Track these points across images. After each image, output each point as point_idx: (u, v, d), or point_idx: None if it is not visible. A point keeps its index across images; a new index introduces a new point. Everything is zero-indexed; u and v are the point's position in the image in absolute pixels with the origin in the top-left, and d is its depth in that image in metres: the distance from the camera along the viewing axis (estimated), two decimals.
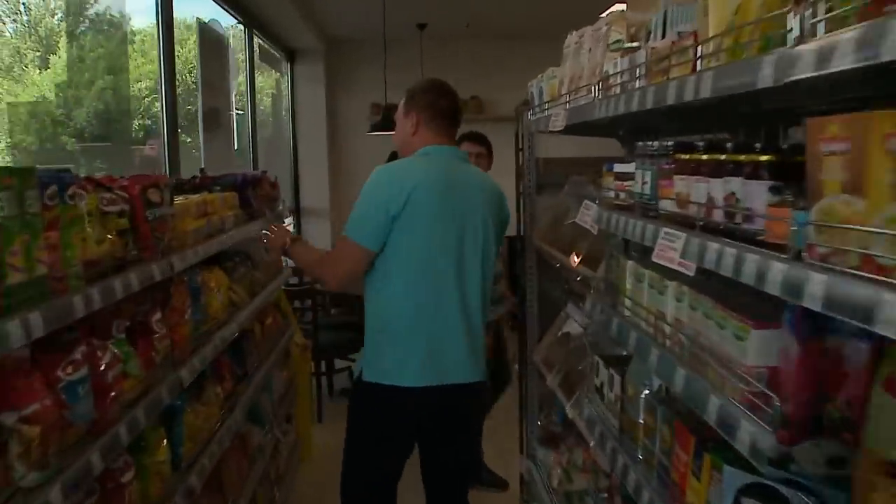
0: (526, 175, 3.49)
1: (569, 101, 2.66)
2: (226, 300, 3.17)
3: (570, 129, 2.72)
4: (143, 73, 5.21)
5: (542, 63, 9.09)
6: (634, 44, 2.05)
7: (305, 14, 7.54)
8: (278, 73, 8.57)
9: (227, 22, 6.29)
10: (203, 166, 4.03)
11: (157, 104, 5.08)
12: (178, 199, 2.89)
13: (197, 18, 5.04)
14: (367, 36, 8.70)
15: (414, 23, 8.24)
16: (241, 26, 6.53)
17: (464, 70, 9.38)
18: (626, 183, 2.12)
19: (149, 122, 5.33)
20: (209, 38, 5.26)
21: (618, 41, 2.15)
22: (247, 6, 6.48)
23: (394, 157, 3.72)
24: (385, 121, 6.67)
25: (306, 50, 8.86)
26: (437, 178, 2.69)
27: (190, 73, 5.45)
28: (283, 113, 8.95)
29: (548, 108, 3.07)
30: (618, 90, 2.05)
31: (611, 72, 2.14)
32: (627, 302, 2.07)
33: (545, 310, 3.65)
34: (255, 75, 8.81)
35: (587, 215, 2.43)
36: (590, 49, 2.50)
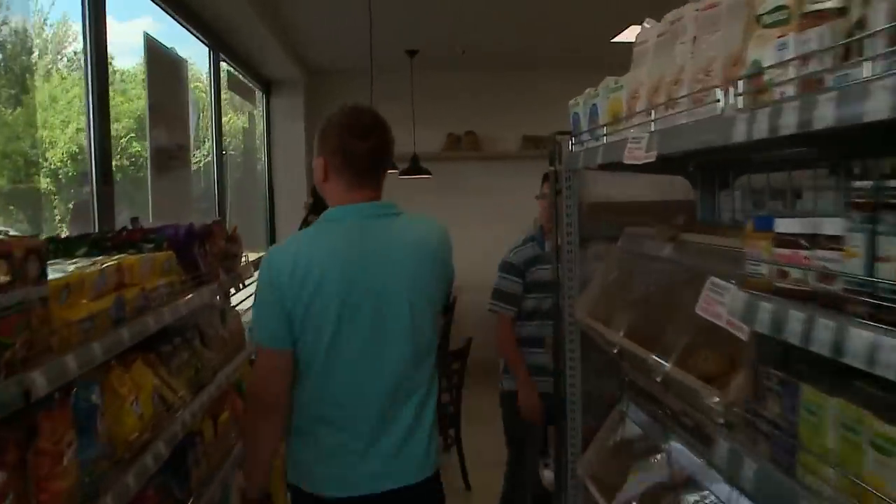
0: (565, 225, 2.58)
1: (654, 119, 1.76)
2: (149, 410, 2.22)
3: (618, 165, 1.88)
4: (122, 111, 4.69)
5: (547, 95, 8.33)
6: (829, 4, 1.14)
7: (283, 40, 6.70)
8: (251, 106, 7.67)
9: (190, 51, 5.42)
10: (135, 216, 3.12)
11: (136, 144, 4.59)
12: (72, 268, 1.98)
13: (144, 34, 4.14)
14: (351, 64, 7.86)
15: (403, 49, 7.40)
16: (206, 49, 5.63)
17: (459, 102, 8.61)
18: (803, 252, 1.21)
19: (127, 162, 4.80)
20: (159, 59, 4.36)
21: (780, 7, 1.25)
22: (214, 29, 5.61)
23: (316, 201, 2.89)
24: None
25: (284, 80, 8.02)
26: (341, 257, 2.18)
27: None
28: (257, 151, 8.06)
29: (604, 135, 2.17)
30: (785, 91, 1.15)
31: (766, 61, 1.24)
32: (828, 471, 1.15)
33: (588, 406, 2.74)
34: (225, 108, 7.98)
35: (717, 304, 1.51)
36: (694, 38, 1.61)
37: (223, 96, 6.08)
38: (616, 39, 7.19)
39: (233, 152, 7.72)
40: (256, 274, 2.43)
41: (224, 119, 8.01)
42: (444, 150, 8.66)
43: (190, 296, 2.72)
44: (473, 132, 8.62)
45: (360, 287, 2.17)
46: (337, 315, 2.15)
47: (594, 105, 2.26)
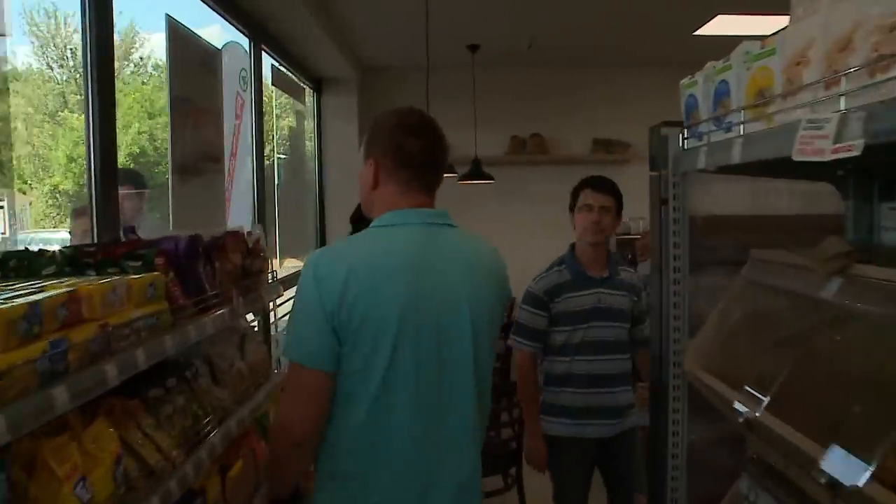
0: (671, 247, 1.94)
1: (846, 92, 1.11)
2: (106, 489, 1.63)
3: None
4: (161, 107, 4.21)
5: (620, 95, 7.68)
6: None
7: (334, 34, 6.15)
8: (300, 105, 7.15)
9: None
10: (135, 224, 2.57)
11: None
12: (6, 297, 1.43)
13: (165, 16, 3.60)
14: (407, 61, 7.31)
15: (464, 44, 6.80)
16: (245, 40, 5.10)
17: (524, 102, 8.02)
18: None
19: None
20: (185, 46, 3.83)
21: None
22: (255, 18, 5.08)
23: (359, 215, 2.69)
24: None
25: (336, 79, 7.48)
26: (401, 267, 1.91)
27: None
28: (307, 153, 7.54)
29: (743, 122, 1.53)
30: None
31: None
32: None
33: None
34: (285, 109, 7.50)
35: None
36: None
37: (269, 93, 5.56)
38: (699, 32, 6.49)
39: (282, 155, 7.23)
40: (291, 288, 2.03)
41: (283, 121, 7.55)
42: (507, 154, 8.03)
43: (187, 329, 2.15)
44: (539, 134, 7.98)
45: (422, 304, 1.89)
46: (395, 337, 1.86)
47: (723, 82, 1.62)
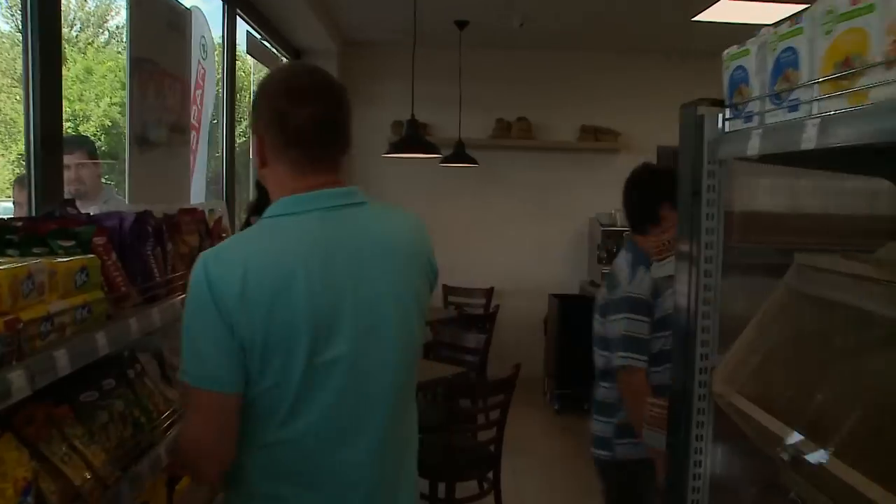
0: (703, 246, 1.64)
1: None
2: None
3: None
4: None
5: (612, 81, 7.39)
6: None
7: (315, 2, 5.80)
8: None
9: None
10: (71, 196, 2.24)
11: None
12: None
13: None
14: (391, 35, 6.99)
15: (452, 19, 6.46)
16: (219, 4, 4.74)
17: (511, 84, 7.76)
18: None
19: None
20: (149, 2, 3.48)
21: None
22: None
23: (261, 196, 2.29)
24: (409, 141, 4.84)
25: (315, 51, 7.12)
26: (304, 261, 1.60)
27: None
28: None
29: (814, 99, 1.23)
30: None
31: None
32: None
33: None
34: (249, 81, 7.14)
35: None
36: None
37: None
38: (698, 18, 6.19)
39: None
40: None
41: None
42: (492, 137, 7.72)
43: (130, 320, 1.83)
44: (526, 118, 7.69)
45: (332, 299, 1.61)
46: (309, 342, 1.57)
47: (789, 50, 1.31)
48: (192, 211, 2.37)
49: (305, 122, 1.66)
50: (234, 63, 5.02)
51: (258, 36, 5.80)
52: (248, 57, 6.84)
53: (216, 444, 1.62)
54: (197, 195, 4.72)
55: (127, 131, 3.30)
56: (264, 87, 1.73)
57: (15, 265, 1.42)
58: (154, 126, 3.52)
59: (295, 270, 1.57)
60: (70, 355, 1.48)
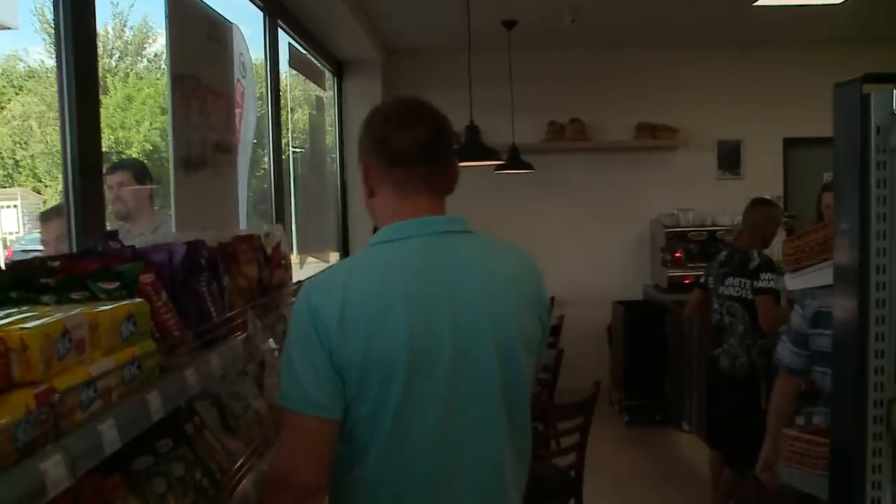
0: (873, 252, 1.33)
1: None
2: None
3: None
4: None
5: (666, 75, 7.06)
6: None
7: (358, 13, 5.57)
8: (320, 90, 6.57)
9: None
10: (113, 229, 2.00)
11: None
12: None
13: None
14: (436, 41, 6.77)
15: (499, 20, 6.18)
16: (259, 14, 4.52)
17: (563, 83, 7.47)
18: None
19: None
20: (188, 13, 3.26)
21: None
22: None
23: None
24: (470, 148, 4.56)
25: (359, 62, 6.92)
26: (406, 290, 1.58)
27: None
28: (327, 143, 6.95)
29: None
30: None
31: None
32: None
33: None
34: (286, 97, 6.97)
35: None
36: None
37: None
38: (760, 2, 5.83)
39: (297, 149, 6.68)
40: None
41: (297, 113, 7.01)
42: (545, 141, 7.43)
43: (187, 372, 1.58)
44: (580, 119, 7.38)
45: (430, 328, 1.60)
46: (406, 369, 1.57)
47: None
48: (249, 238, 2.12)
49: (408, 143, 1.68)
50: (279, 78, 4.79)
51: (301, 49, 5.58)
52: (287, 73, 6.65)
53: (309, 473, 1.58)
54: (240, 219, 4.51)
55: (171, 151, 3.07)
56: (369, 118, 1.77)
57: (48, 321, 1.17)
58: (198, 145, 3.29)
59: (393, 297, 1.58)
60: (119, 425, 1.23)
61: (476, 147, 4.49)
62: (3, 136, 14.98)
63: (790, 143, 7.66)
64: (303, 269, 5.57)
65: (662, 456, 5.98)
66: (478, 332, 1.64)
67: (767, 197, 4.94)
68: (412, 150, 1.68)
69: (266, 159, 4.84)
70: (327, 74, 6.64)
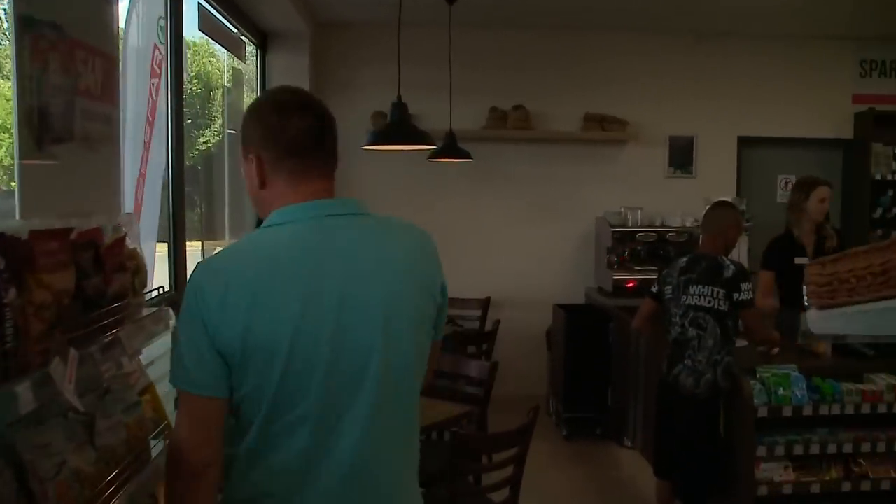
0: None
1: None
2: None
3: None
4: None
5: (618, 64, 6.57)
6: None
7: None
8: (240, 62, 5.95)
9: None
10: None
11: None
12: None
13: None
14: (370, 14, 6.24)
15: None
16: None
17: (507, 67, 7.01)
18: None
19: None
20: None
21: None
22: None
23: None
24: (396, 129, 3.97)
25: (285, 33, 6.30)
26: (291, 272, 1.62)
27: None
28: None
29: None
30: None
31: None
32: None
33: None
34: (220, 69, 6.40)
35: None
36: None
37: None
38: None
39: (233, 131, 6.09)
40: None
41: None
42: (485, 128, 6.89)
43: None
44: (523, 107, 6.86)
45: (318, 311, 1.63)
46: (287, 352, 1.59)
47: None
48: (59, 233, 1.51)
49: (298, 133, 1.73)
50: (182, 43, 4.18)
51: (214, 12, 4.96)
52: (224, 54, 6.04)
53: (200, 449, 1.63)
54: (151, 203, 3.90)
55: (15, 120, 2.45)
56: (252, 109, 1.79)
57: None
58: (60, 113, 2.67)
59: (278, 278, 1.61)
60: None
61: (404, 128, 3.90)
62: None
63: (745, 142, 7.29)
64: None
65: (603, 475, 5.52)
66: (364, 312, 1.66)
67: (728, 199, 4.48)
68: (303, 138, 1.73)
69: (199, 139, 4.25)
70: (249, 47, 6.01)
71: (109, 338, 1.62)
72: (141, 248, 1.94)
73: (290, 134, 1.71)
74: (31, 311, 1.34)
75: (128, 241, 1.83)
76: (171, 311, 2.08)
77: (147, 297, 2.15)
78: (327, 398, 1.64)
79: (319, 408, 1.64)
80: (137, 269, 1.87)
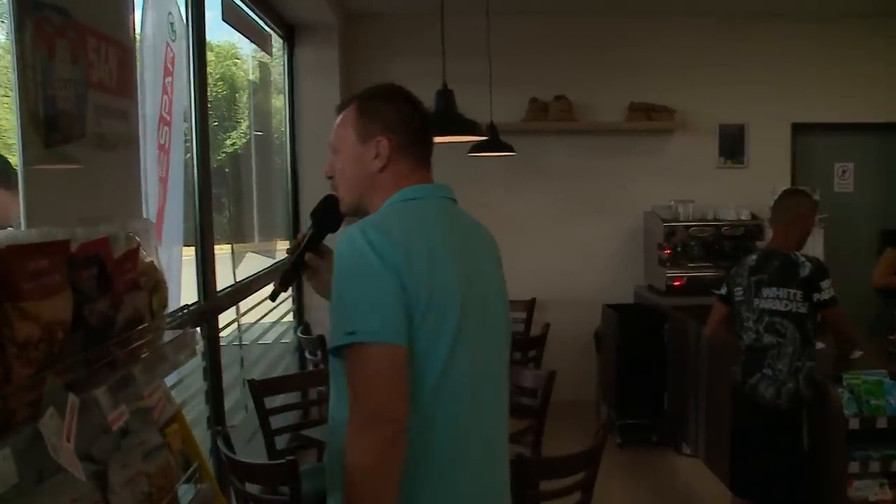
0: None
1: None
2: None
3: None
4: None
5: (664, 50, 6.06)
6: None
7: None
8: (263, 56, 5.66)
9: None
10: None
11: None
12: None
13: None
14: (403, 5, 5.96)
15: None
16: None
17: (547, 57, 6.60)
18: None
19: None
20: None
21: None
22: None
23: (329, 207, 2.06)
24: (442, 118, 3.63)
25: (313, 25, 5.98)
26: (445, 239, 1.77)
27: None
28: (274, 118, 6.05)
29: None
30: None
31: None
32: None
33: None
34: (244, 71, 6.14)
35: None
36: None
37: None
38: None
39: (259, 132, 5.83)
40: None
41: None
42: (525, 121, 6.54)
43: None
44: (566, 97, 6.50)
45: (470, 276, 1.78)
46: (459, 309, 1.70)
47: None
48: (55, 247, 1.18)
49: (421, 124, 1.91)
50: (204, 42, 3.90)
51: (241, 6, 4.67)
52: (248, 56, 5.80)
53: (399, 406, 1.61)
54: (175, 206, 3.63)
55: (16, 115, 2.15)
56: (378, 93, 1.92)
57: None
58: (69, 107, 2.37)
59: (436, 243, 1.71)
60: None
61: (451, 118, 3.56)
62: None
63: (799, 129, 6.87)
64: (239, 266, 4.70)
65: (662, 484, 5.17)
66: (493, 286, 1.88)
67: (802, 188, 4.10)
68: (424, 129, 1.91)
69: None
70: (275, 39, 5.72)
71: (121, 374, 1.30)
72: (160, 261, 1.63)
73: (416, 124, 1.88)
74: (13, 352, 1.02)
75: (143, 252, 1.51)
76: (197, 333, 1.77)
77: (175, 314, 1.85)
78: (477, 363, 1.76)
79: (476, 370, 1.75)
80: (156, 287, 1.55)
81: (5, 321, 1.01)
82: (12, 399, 1.01)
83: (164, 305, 1.60)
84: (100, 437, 1.43)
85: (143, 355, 1.42)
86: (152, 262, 1.57)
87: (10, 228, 1.82)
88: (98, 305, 1.26)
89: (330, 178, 1.96)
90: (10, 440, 0.99)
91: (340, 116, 1.93)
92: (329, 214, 2.01)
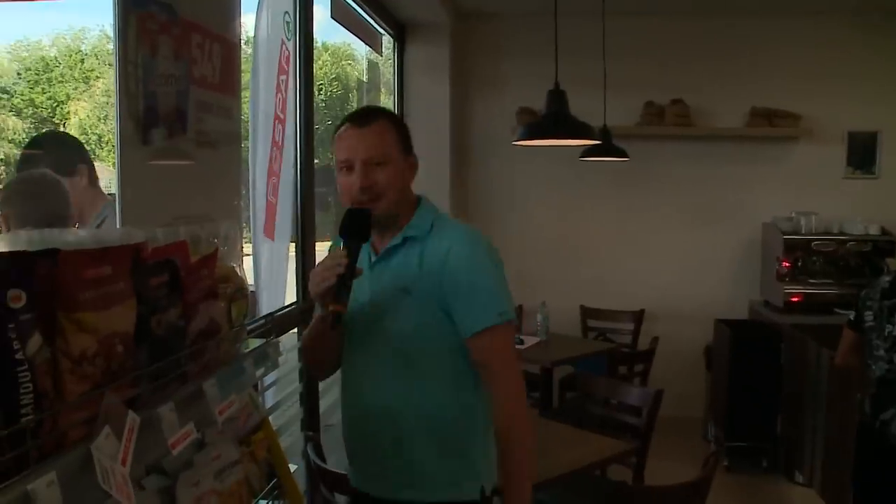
0: None
1: None
2: None
3: None
4: None
5: (787, 54, 5.84)
6: None
7: None
8: (373, 55, 5.63)
9: None
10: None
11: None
12: None
13: None
14: (515, 5, 5.85)
15: None
16: None
17: (664, 59, 6.36)
18: None
19: None
20: None
21: None
22: None
23: (365, 220, 2.04)
24: (554, 121, 3.47)
25: (424, 25, 5.92)
26: None
27: None
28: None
29: None
30: None
31: None
32: None
33: None
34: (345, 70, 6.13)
35: None
36: None
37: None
38: None
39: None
40: None
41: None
42: (639, 125, 6.31)
43: None
44: (682, 101, 6.25)
45: None
46: None
47: None
48: (119, 252, 1.09)
49: None
50: (311, 39, 3.88)
51: (351, 4, 4.64)
52: (361, 56, 5.80)
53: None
54: (285, 203, 3.62)
55: (116, 113, 2.12)
56: (390, 111, 2.34)
57: None
58: (170, 104, 2.34)
59: None
60: None
61: (563, 119, 3.38)
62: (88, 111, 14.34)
63: None
64: None
65: None
66: None
67: None
68: None
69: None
70: (385, 38, 5.68)
71: (191, 389, 1.21)
72: (243, 269, 1.55)
73: None
74: (66, 366, 0.94)
75: (223, 256, 1.42)
76: (279, 344, 1.68)
77: (259, 321, 1.77)
78: None
79: None
80: (236, 295, 1.46)
81: (59, 333, 0.93)
82: (63, 418, 0.93)
83: (245, 314, 1.52)
84: (163, 458, 1.36)
85: (218, 368, 1.34)
86: (233, 267, 1.49)
87: (87, 230, 1.77)
88: (167, 315, 1.18)
89: (365, 188, 1.98)
90: (58, 463, 0.91)
91: (378, 132, 2.04)
92: (366, 228, 2.01)
